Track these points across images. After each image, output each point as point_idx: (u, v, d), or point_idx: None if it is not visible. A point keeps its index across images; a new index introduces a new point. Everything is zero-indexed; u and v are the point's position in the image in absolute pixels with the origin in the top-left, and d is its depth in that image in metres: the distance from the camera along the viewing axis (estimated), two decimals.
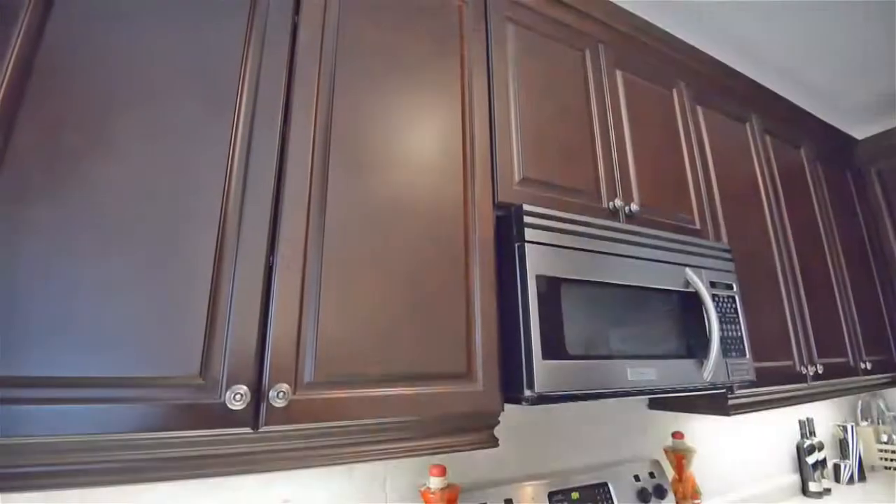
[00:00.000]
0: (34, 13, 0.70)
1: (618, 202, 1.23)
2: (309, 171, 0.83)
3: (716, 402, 1.39)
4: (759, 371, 1.36)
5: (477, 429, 0.93)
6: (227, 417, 0.67)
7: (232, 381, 0.68)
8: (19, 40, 0.68)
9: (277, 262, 0.76)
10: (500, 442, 0.96)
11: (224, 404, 0.66)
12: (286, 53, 0.88)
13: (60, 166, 0.66)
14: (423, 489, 1.04)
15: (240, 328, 0.71)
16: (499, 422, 0.95)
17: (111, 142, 0.69)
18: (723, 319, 1.25)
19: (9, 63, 0.66)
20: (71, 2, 0.72)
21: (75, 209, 0.65)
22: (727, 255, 1.34)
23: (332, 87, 0.91)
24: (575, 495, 1.25)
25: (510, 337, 0.95)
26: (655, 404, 1.62)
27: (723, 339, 1.22)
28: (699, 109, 1.64)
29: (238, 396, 0.67)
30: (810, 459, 1.90)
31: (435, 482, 1.02)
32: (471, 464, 1.22)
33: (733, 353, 1.24)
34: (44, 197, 0.64)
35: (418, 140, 0.98)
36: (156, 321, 0.66)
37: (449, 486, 1.04)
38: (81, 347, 0.61)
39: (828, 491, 1.90)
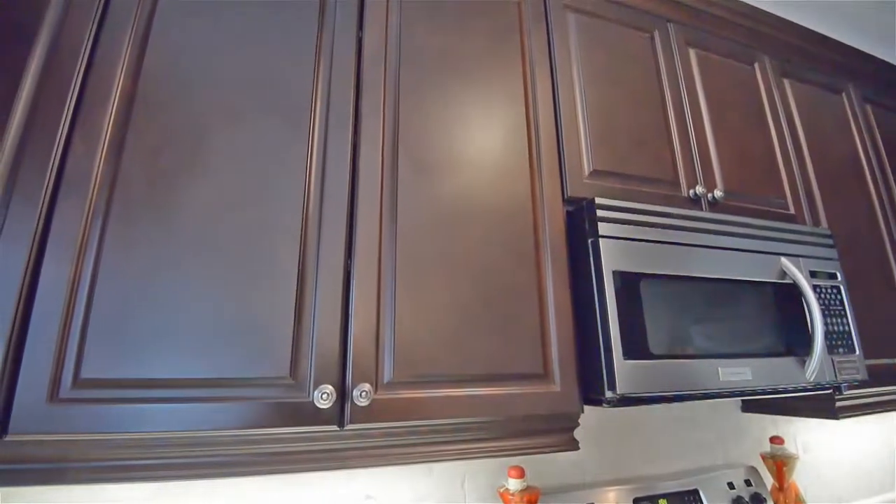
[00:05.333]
0: (133, 51, 0.78)
1: (699, 189, 1.15)
2: (380, 176, 0.86)
3: (821, 404, 1.25)
4: (871, 369, 1.21)
5: (556, 431, 0.90)
6: (316, 415, 0.70)
7: (319, 381, 0.71)
8: (122, 76, 0.76)
9: (355, 265, 0.79)
10: (579, 444, 0.93)
11: (312, 403, 0.70)
12: (353, 67, 0.91)
13: (160, 187, 0.72)
14: (501, 490, 1.03)
15: (324, 330, 0.74)
16: (578, 424, 0.92)
17: (202, 162, 0.76)
18: (827, 312, 1.13)
19: (115, 97, 0.74)
20: (163, 38, 0.80)
21: (174, 225, 0.71)
22: (828, 241, 1.21)
23: (398, 94, 0.93)
24: (662, 502, 1.18)
25: (588, 336, 0.91)
26: (750, 406, 1.49)
27: (827, 335, 1.10)
28: (786, 83, 1.50)
29: (325, 395, 0.70)
30: None
31: (514, 484, 1.01)
32: (549, 466, 1.19)
33: (840, 350, 1.11)
34: (147, 215, 0.71)
35: (483, 139, 0.97)
36: (248, 325, 0.70)
37: (528, 489, 1.02)
38: (184, 351, 0.67)
39: None
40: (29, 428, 0.59)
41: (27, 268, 0.63)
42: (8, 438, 0.59)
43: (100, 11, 0.78)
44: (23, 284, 0.63)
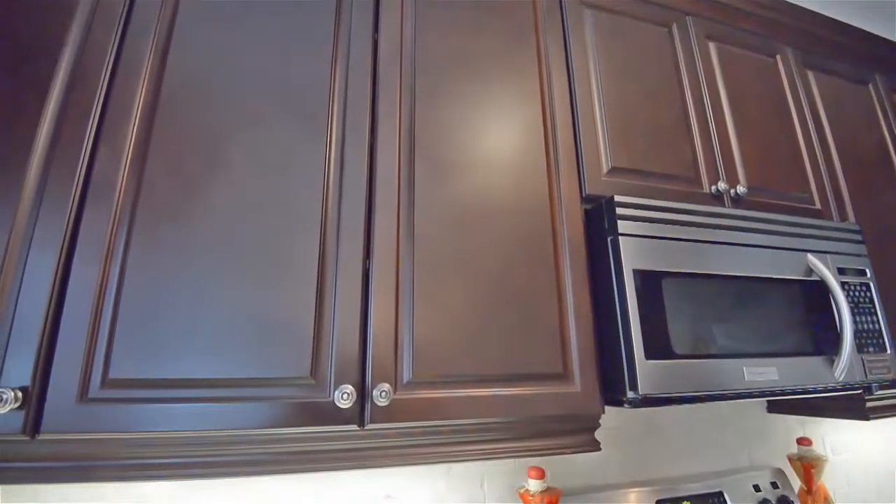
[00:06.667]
0: (154, 64, 0.79)
1: (721, 185, 1.12)
2: (396, 178, 0.86)
3: (850, 405, 1.22)
4: None
5: (576, 431, 0.89)
6: (337, 415, 0.70)
7: (339, 381, 0.71)
8: (144, 88, 0.78)
9: (373, 266, 0.79)
10: (601, 445, 0.91)
11: (333, 403, 0.70)
12: (369, 69, 0.91)
13: (183, 191, 0.74)
14: (521, 491, 1.02)
15: (343, 331, 0.74)
16: (599, 424, 0.91)
17: (223, 167, 0.77)
18: (856, 310, 1.09)
19: (138, 109, 0.76)
20: (183, 46, 0.81)
21: (197, 228, 0.73)
22: (856, 237, 1.17)
23: (414, 95, 0.93)
24: None
25: (608, 336, 0.90)
26: (776, 407, 1.45)
27: (857, 333, 1.07)
28: (810, 75, 1.46)
29: (345, 395, 0.70)
30: None
31: (534, 485, 1.00)
32: (569, 467, 1.18)
33: (870, 349, 1.08)
34: (171, 219, 0.72)
35: (500, 138, 0.97)
36: (270, 326, 0.71)
37: (548, 490, 1.01)
38: (206, 352, 0.68)
39: None
40: (60, 427, 0.60)
41: (56, 272, 0.65)
42: (40, 437, 0.61)
43: (122, 23, 0.80)
44: (53, 288, 0.64)
